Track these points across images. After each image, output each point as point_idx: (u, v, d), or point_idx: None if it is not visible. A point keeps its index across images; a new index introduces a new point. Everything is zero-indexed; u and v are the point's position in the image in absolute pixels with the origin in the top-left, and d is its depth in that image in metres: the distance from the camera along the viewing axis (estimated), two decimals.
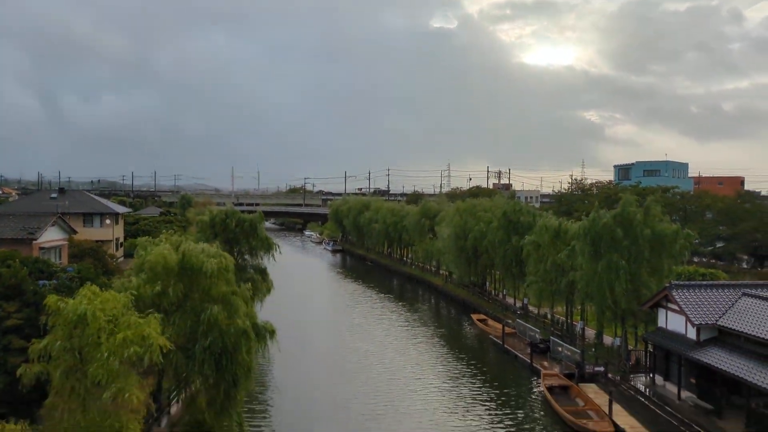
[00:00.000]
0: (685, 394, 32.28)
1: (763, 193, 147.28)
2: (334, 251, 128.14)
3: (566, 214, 76.87)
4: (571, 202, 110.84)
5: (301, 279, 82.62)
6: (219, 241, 30.38)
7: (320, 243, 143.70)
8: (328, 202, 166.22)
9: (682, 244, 37.74)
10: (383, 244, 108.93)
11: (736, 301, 31.69)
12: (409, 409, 32.84)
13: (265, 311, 35.83)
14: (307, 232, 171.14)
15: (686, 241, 38.06)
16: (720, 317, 30.94)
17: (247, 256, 42.17)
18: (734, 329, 29.46)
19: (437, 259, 78.52)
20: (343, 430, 29.58)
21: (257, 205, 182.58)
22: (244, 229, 41.20)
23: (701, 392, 31.35)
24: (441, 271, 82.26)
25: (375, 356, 43.82)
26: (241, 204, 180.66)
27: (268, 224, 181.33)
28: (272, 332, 27.06)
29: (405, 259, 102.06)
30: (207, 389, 25.48)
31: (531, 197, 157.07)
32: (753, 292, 31.92)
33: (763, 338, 27.42)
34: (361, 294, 74.71)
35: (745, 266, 78.68)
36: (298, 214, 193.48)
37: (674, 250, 37.94)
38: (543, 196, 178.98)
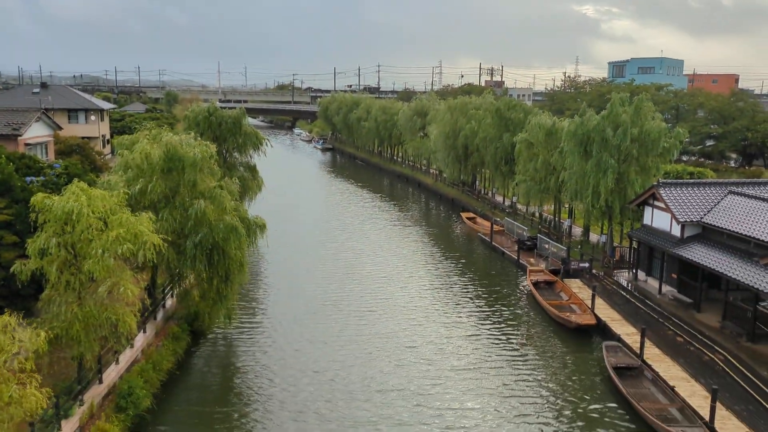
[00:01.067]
0: (665, 288, 33.34)
1: (757, 91, 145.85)
2: (324, 150, 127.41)
3: (558, 113, 76.19)
4: (564, 100, 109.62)
5: (292, 178, 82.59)
6: (206, 139, 29.96)
7: (310, 141, 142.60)
8: (318, 99, 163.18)
9: (671, 143, 37.66)
10: (374, 143, 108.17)
11: (721, 199, 32.07)
12: (401, 305, 33.66)
13: (257, 210, 36.05)
14: (296, 131, 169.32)
15: (676, 140, 37.97)
16: (705, 215, 31.41)
17: (236, 154, 41.79)
18: (717, 226, 29.99)
19: (428, 157, 78.32)
20: (336, 325, 30.44)
21: (245, 102, 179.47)
22: (228, 126, 40.53)
23: (681, 287, 32.37)
24: (431, 170, 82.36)
25: (367, 255, 44.51)
26: (228, 101, 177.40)
27: (256, 122, 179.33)
28: (262, 227, 27.32)
29: (396, 158, 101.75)
30: (200, 283, 26.06)
31: (523, 95, 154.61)
32: (738, 190, 32.24)
33: (745, 234, 27.97)
34: (352, 193, 75.03)
35: (733, 165, 79.21)
36: (287, 111, 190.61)
37: (662, 149, 37.91)
38: (536, 93, 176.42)
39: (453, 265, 42.47)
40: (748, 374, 23.64)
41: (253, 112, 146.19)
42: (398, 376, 24.77)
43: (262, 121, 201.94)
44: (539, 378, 25.13)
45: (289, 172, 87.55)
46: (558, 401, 23.22)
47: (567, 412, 22.36)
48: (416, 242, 49.53)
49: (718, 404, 20.67)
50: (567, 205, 47.40)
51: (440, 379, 24.64)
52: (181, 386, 23.94)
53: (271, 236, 35.15)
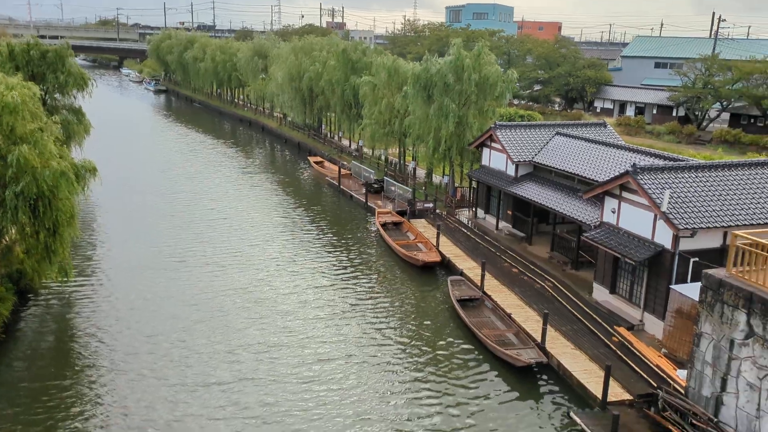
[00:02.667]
0: (502, 224, 35.76)
1: (577, 39, 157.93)
2: (157, 92, 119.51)
3: (400, 56, 77.24)
4: (405, 43, 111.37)
5: (124, 123, 76.82)
6: (21, 77, 26.52)
7: (140, 82, 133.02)
8: (147, 37, 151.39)
9: (505, 87, 39.71)
10: (212, 85, 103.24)
11: (550, 139, 34.64)
12: (252, 256, 32.84)
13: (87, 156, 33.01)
14: (124, 70, 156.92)
15: (509, 83, 40.08)
16: (536, 154, 33.79)
17: (57, 95, 37.66)
18: (547, 165, 32.44)
19: (271, 100, 76.33)
20: (183, 280, 29.16)
21: (62, 38, 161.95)
22: (49, 62, 36.24)
23: (516, 223, 34.89)
24: (276, 114, 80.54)
25: (213, 205, 42.85)
26: (43, 37, 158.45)
27: (78, 61, 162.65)
28: (93, 170, 25.13)
29: (237, 101, 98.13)
30: (24, 238, 23.56)
31: (365, 37, 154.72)
32: (565, 131, 34.98)
33: (570, 172, 30.54)
34: (193, 139, 71.47)
35: (557, 108, 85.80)
36: (113, 49, 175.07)
37: (498, 93, 39.94)
38: (377, 37, 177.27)
39: (303, 211, 42.23)
40: (573, 298, 26.23)
41: (73, 49, 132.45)
42: (253, 331, 24.10)
43: (85, 59, 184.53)
44: (391, 314, 26.02)
45: (121, 117, 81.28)
46: (409, 333, 24.27)
47: (417, 342, 23.48)
48: (264, 189, 48.53)
49: (548, 327, 22.76)
50: (411, 148, 48.70)
51: (296, 330, 24.23)
52: (9, 355, 21.74)
53: (107, 187, 32.72)
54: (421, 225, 37.41)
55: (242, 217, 40.21)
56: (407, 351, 22.96)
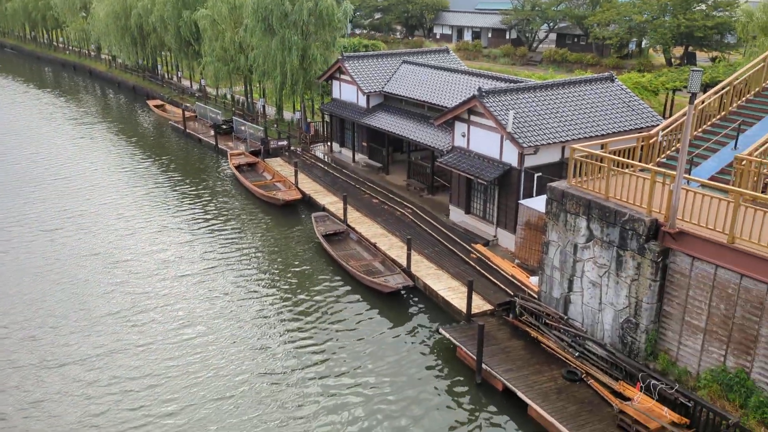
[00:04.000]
0: (358, 156, 36.15)
1: None
2: None
3: None
4: None
5: None
6: None
7: None
8: None
9: (340, 17, 39.23)
10: (23, 26, 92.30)
11: (397, 68, 35.06)
12: (102, 216, 30.63)
13: None
14: None
15: (343, 17, 39.67)
16: (385, 84, 34.15)
17: None
18: (397, 94, 32.94)
19: (96, 41, 69.84)
20: (26, 247, 26.70)
21: None
22: None
23: (372, 153, 35.41)
24: (103, 55, 74.06)
25: (49, 163, 39.03)
26: None
27: None
28: None
29: (56, 43, 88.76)
30: None
31: None
32: (411, 59, 35.53)
33: (419, 99, 31.29)
34: (10, 89, 64.01)
35: (399, 36, 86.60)
36: None
37: (337, 23, 39.45)
38: None
39: (150, 161, 39.80)
40: (432, 221, 27.43)
41: None
42: (116, 298, 22.56)
43: None
44: (259, 259, 25.73)
45: None
46: (280, 275, 24.23)
47: (289, 284, 23.53)
48: (104, 141, 44.93)
49: (412, 251, 23.75)
50: (258, 85, 47.17)
51: (162, 292, 23.00)
52: None
53: None
54: (277, 164, 36.84)
55: (84, 174, 36.98)
56: (280, 294, 22.95)
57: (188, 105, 51.41)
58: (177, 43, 52.30)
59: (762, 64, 20.90)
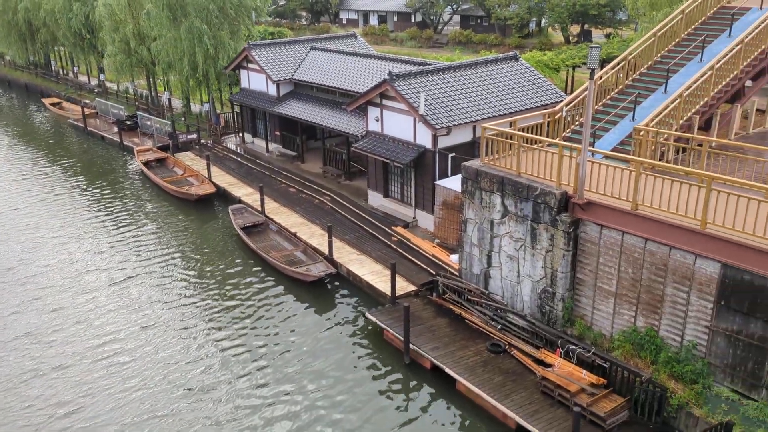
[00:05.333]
0: (272, 146, 35.59)
1: None
2: None
3: None
4: None
5: None
6: None
7: None
8: None
9: (258, 6, 38.50)
10: None
11: (306, 55, 34.67)
12: (2, 228, 28.81)
13: None
14: None
15: (261, 2, 38.94)
16: (295, 72, 33.71)
17: None
18: (307, 81, 32.60)
19: None
20: None
21: None
22: None
23: (285, 142, 34.94)
24: None
25: None
26: None
27: None
28: None
29: None
30: None
31: None
32: (319, 45, 35.21)
33: (331, 86, 31.10)
34: None
35: (305, 23, 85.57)
36: None
37: (250, 11, 38.65)
38: None
39: (52, 163, 37.56)
40: (351, 207, 27.45)
41: None
42: (27, 317, 21.15)
43: None
44: (176, 259, 24.94)
45: None
46: (200, 273, 23.62)
47: (211, 281, 22.98)
48: None
49: (333, 238, 23.70)
50: (163, 77, 45.44)
51: (79, 305, 21.73)
52: None
53: None
54: (188, 158, 35.74)
55: None
56: (202, 295, 22.32)
57: (87, 101, 48.90)
58: (71, 37, 49.50)
59: (653, 39, 22.09)
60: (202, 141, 38.13)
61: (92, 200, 31.42)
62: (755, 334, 13.52)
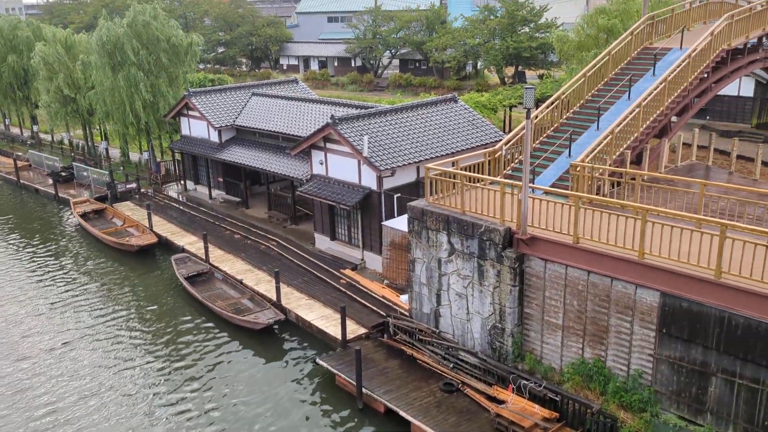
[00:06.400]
0: (215, 193, 35.14)
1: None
2: None
3: (62, 27, 69.20)
4: (65, 12, 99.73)
5: None
6: None
7: None
8: None
9: (194, 52, 38.52)
10: None
11: (248, 101, 34.68)
12: None
13: None
14: None
15: (195, 49, 38.93)
16: (236, 117, 33.62)
17: None
18: (249, 126, 32.54)
19: None
20: None
21: None
22: None
23: (229, 189, 34.58)
24: None
25: None
26: None
27: None
28: None
29: None
30: None
31: (13, 8, 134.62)
32: (260, 91, 35.31)
33: (273, 131, 31.11)
34: None
35: (245, 69, 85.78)
36: None
37: (187, 59, 38.61)
38: (28, 6, 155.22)
39: None
40: (298, 251, 27.22)
41: None
42: None
43: None
44: (119, 315, 24.03)
45: None
46: (144, 328, 22.81)
47: (156, 336, 22.21)
48: None
49: (281, 284, 23.37)
50: (99, 127, 44.52)
51: (23, 372, 20.60)
52: None
53: None
54: (128, 208, 34.86)
55: None
56: (147, 353, 21.37)
57: (20, 154, 47.34)
58: (2, 88, 48.13)
59: (583, 79, 23.11)
60: (142, 190, 37.33)
61: (28, 258, 30.06)
62: (696, 359, 13.94)
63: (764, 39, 27.53)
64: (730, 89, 37.29)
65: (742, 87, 40.61)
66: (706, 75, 24.34)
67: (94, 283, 26.75)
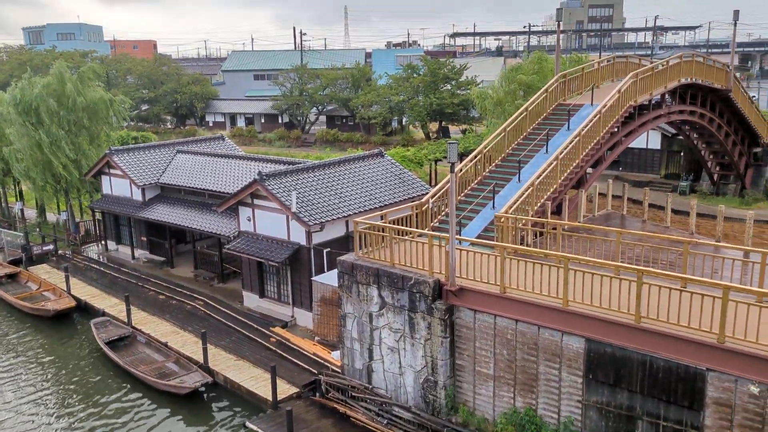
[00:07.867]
0: (138, 252, 33.98)
1: (175, 56, 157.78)
2: None
3: None
4: None
5: None
6: None
7: None
8: None
9: (117, 110, 37.87)
10: None
11: (173, 158, 34.13)
12: None
13: None
14: None
15: (120, 107, 38.31)
16: (161, 175, 32.96)
17: None
18: (174, 184, 31.93)
19: None
20: None
21: None
22: None
23: (153, 248, 33.54)
24: None
25: None
26: None
27: None
28: None
29: None
30: None
31: None
32: (185, 148, 34.88)
33: (198, 188, 30.65)
34: None
35: (170, 126, 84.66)
36: None
37: (110, 117, 37.89)
38: None
39: None
40: (226, 310, 26.50)
41: None
42: None
43: None
44: (34, 388, 22.48)
45: None
46: (61, 401, 21.40)
47: (75, 409, 20.86)
48: None
49: (208, 345, 22.61)
50: (13, 186, 42.58)
51: None
52: None
53: None
54: (44, 271, 33.17)
55: None
56: (64, 426, 20.14)
57: None
58: None
59: (503, 133, 24.07)
60: (60, 252, 35.68)
61: None
62: (623, 404, 14.31)
63: (666, 96, 29.59)
64: (639, 142, 39.80)
65: (650, 140, 43.39)
66: (616, 129, 25.83)
67: (5, 355, 24.99)
